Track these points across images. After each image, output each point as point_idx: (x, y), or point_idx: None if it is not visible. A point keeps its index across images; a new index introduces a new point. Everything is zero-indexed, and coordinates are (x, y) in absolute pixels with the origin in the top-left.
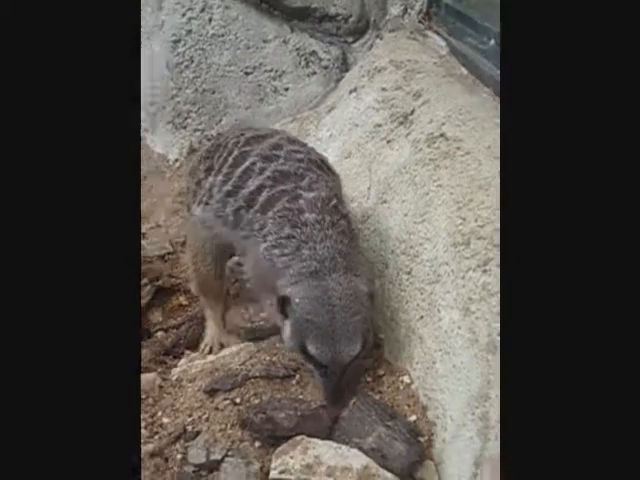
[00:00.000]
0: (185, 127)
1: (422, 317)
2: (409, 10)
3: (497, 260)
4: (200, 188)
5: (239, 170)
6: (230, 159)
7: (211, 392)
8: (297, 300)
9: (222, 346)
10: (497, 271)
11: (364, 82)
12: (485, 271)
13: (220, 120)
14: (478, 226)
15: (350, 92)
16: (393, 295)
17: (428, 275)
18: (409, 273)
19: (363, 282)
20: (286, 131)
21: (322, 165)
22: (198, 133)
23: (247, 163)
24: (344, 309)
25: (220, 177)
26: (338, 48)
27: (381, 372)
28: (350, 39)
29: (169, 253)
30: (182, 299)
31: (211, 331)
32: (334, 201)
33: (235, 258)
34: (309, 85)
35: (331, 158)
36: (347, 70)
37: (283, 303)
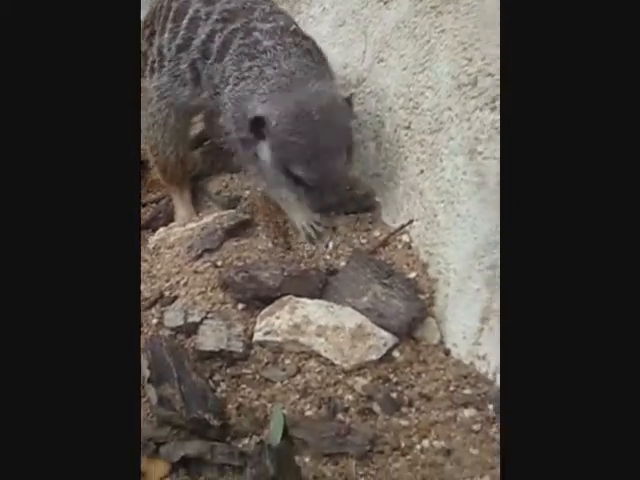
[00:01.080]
0: None
1: (422, 171)
2: None
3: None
4: (147, 58)
5: (184, 21)
6: (171, 14)
7: (191, 254)
8: (274, 122)
9: None
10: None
11: None
12: (493, 108)
13: None
14: (485, 64)
15: None
16: (390, 154)
17: (429, 125)
18: (408, 127)
19: (338, 86)
20: None
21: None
22: None
23: (191, 11)
24: (325, 123)
25: (166, 35)
26: None
27: (377, 234)
28: None
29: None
30: None
31: (180, 214)
32: (293, 27)
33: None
34: None
35: (324, 30)
36: None
37: (256, 124)
